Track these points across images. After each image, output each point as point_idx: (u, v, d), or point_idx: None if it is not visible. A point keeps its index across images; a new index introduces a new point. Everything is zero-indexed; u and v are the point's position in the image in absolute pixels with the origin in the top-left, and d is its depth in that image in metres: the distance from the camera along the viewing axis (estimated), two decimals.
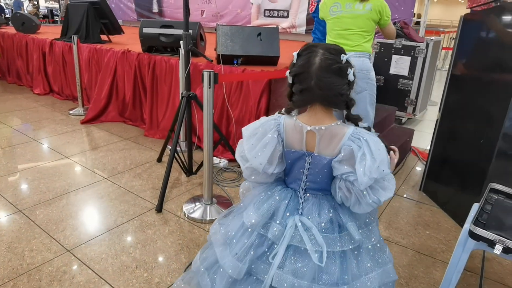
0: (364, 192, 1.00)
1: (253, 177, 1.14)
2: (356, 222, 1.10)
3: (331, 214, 1.10)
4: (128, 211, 2.25)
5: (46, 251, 1.86)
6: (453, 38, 10.44)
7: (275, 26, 3.43)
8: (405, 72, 4.21)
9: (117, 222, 2.13)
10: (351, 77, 1.02)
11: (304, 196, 1.14)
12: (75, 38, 3.91)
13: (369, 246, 1.12)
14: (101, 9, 4.53)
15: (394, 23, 4.94)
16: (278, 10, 6.20)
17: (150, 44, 3.60)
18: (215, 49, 3.30)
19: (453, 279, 1.52)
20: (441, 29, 9.02)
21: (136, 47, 3.84)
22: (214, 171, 2.79)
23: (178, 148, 2.46)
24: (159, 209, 2.26)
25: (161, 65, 3.47)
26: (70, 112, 4.17)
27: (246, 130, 1.13)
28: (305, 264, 1.04)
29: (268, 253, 1.10)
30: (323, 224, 1.07)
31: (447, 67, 2.22)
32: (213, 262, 1.20)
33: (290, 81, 1.07)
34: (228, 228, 1.18)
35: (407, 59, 4.14)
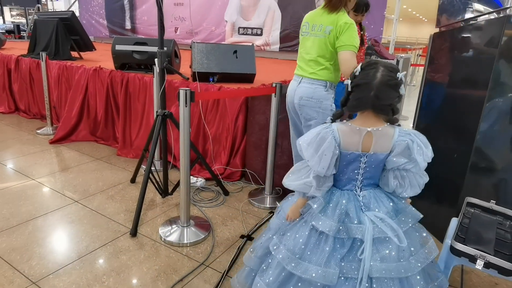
0: (421, 176, 1.29)
1: (321, 189, 1.29)
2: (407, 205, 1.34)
3: (391, 203, 1.31)
4: (101, 236, 2.13)
5: (8, 284, 1.72)
6: (420, 55, 10.92)
7: (250, 44, 3.44)
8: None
9: (89, 248, 2.01)
10: (402, 92, 1.23)
11: (362, 194, 1.32)
12: (43, 54, 3.77)
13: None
14: (71, 25, 4.41)
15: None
16: (252, 28, 6.28)
17: (123, 61, 3.52)
18: (190, 66, 3.28)
19: None
20: (408, 46, 9.41)
21: (109, 64, 3.75)
22: (191, 191, 2.71)
23: (152, 168, 2.38)
24: (134, 233, 2.15)
25: (135, 82, 3.39)
26: (38, 131, 3.98)
27: (303, 141, 1.29)
28: (389, 249, 1.23)
29: (354, 252, 1.24)
30: (389, 213, 1.28)
31: (414, 82, 2.29)
32: (285, 280, 1.29)
33: (349, 89, 1.26)
34: (292, 241, 1.30)
35: None
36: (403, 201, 1.34)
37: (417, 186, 1.29)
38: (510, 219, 1.67)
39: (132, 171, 2.96)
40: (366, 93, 1.21)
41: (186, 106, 1.98)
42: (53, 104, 4.11)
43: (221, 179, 2.86)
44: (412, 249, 1.25)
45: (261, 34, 6.19)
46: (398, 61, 4.10)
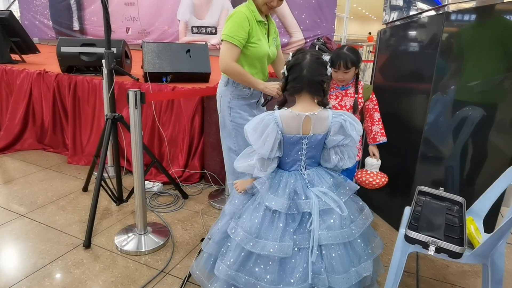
0: (357, 148, 1.57)
1: (261, 169, 1.43)
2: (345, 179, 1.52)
3: (331, 179, 1.49)
4: (51, 251, 1.99)
5: None
6: (370, 51, 11.35)
7: (204, 43, 3.39)
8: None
9: (37, 265, 1.87)
10: (329, 71, 1.41)
11: (307, 172, 1.47)
12: None
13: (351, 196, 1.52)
14: (10, 26, 4.10)
15: (318, 39, 5.22)
16: (206, 27, 6.20)
17: (70, 64, 3.33)
18: (142, 67, 3.16)
19: (394, 282, 1.56)
20: (359, 43, 9.74)
21: (54, 67, 3.53)
22: (147, 197, 2.62)
23: (105, 175, 2.27)
24: (87, 244, 2.03)
25: (83, 85, 3.21)
26: None
27: (248, 126, 1.42)
28: (333, 219, 1.39)
29: (303, 224, 1.39)
30: (331, 187, 1.45)
31: (367, 78, 2.38)
32: (245, 259, 1.39)
33: (286, 72, 1.44)
34: (248, 223, 1.40)
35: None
36: (341, 176, 1.53)
37: (353, 157, 1.51)
38: (457, 204, 1.76)
39: (83, 179, 2.80)
40: (299, 72, 1.39)
41: (136, 108, 1.90)
42: None
43: (179, 182, 2.79)
44: (351, 217, 1.45)
45: (215, 33, 6.13)
46: None
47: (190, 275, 1.83)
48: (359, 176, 2.08)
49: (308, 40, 5.44)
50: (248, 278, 1.37)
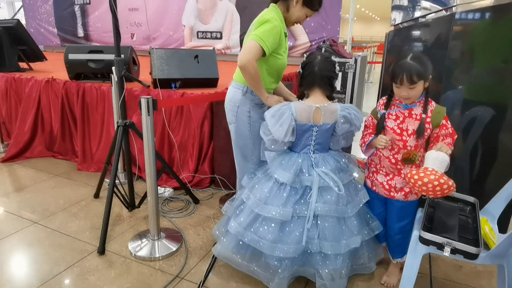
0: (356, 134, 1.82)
1: (273, 146, 1.73)
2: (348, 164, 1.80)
3: (336, 163, 1.73)
4: (66, 258, 2.01)
5: None
6: (375, 52, 11.34)
7: (211, 48, 3.41)
8: (337, 87, 4.43)
9: (53, 272, 1.89)
10: (337, 70, 1.70)
11: (314, 156, 1.73)
12: None
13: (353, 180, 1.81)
14: (17, 34, 4.14)
15: (324, 41, 5.23)
16: (211, 32, 6.23)
17: (78, 71, 3.36)
18: (150, 73, 3.18)
19: (409, 284, 1.56)
20: (364, 44, 9.74)
21: (62, 74, 3.56)
22: (159, 202, 2.63)
23: (116, 181, 2.28)
24: (102, 250, 2.05)
25: (92, 92, 3.24)
26: None
27: (268, 113, 1.69)
28: (331, 195, 1.66)
29: (304, 197, 1.66)
30: (333, 170, 1.69)
31: (372, 79, 2.39)
32: (252, 220, 1.69)
33: (300, 70, 1.72)
34: (259, 192, 1.71)
35: (339, 74, 4.37)
36: (346, 162, 1.79)
37: (352, 139, 1.84)
38: (470, 204, 1.76)
39: (94, 186, 2.82)
40: (311, 69, 1.65)
41: (148, 115, 1.92)
42: (2, 119, 3.85)
43: (190, 188, 2.80)
44: (349, 198, 1.71)
45: (221, 38, 6.15)
46: (356, 60, 4.23)
47: (205, 280, 1.84)
48: (411, 176, 1.49)
49: (313, 43, 5.45)
50: (253, 235, 1.66)
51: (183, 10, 6.31)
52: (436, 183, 1.41)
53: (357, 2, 5.38)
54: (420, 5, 2.37)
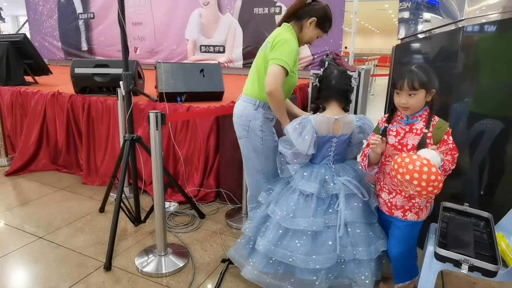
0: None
1: (295, 160, 1.77)
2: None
3: (354, 172, 1.79)
4: (71, 274, 1.97)
5: None
6: (376, 65, 11.43)
7: (215, 62, 3.43)
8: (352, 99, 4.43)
9: None
10: (353, 83, 1.93)
11: (334, 166, 1.79)
12: None
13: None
14: (23, 48, 4.17)
15: (327, 55, 5.26)
16: (214, 46, 6.27)
17: (84, 85, 3.37)
18: (156, 87, 3.19)
19: None
20: (365, 57, 9.81)
21: (67, 88, 3.58)
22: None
23: (122, 195, 2.26)
24: (108, 266, 2.02)
25: (97, 106, 3.25)
26: None
27: (289, 127, 1.74)
28: (357, 202, 1.72)
29: (332, 206, 1.70)
30: (354, 178, 1.75)
31: (373, 92, 2.40)
32: (282, 236, 1.68)
33: (317, 84, 1.79)
34: (285, 205, 1.71)
35: None
36: (362, 170, 1.77)
37: (362, 147, 1.84)
38: (483, 219, 1.74)
39: (99, 200, 2.80)
40: (328, 82, 1.73)
41: (157, 130, 1.91)
42: (7, 133, 3.84)
43: (195, 202, 2.78)
44: (370, 204, 1.75)
45: (223, 52, 6.20)
46: (359, 73, 4.23)
47: None
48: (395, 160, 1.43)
49: (315, 56, 5.48)
50: (284, 251, 1.65)
51: (186, 24, 6.38)
52: (425, 161, 1.32)
53: (357, 16, 5.42)
54: (422, 18, 2.39)
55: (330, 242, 1.64)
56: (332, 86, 1.72)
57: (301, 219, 1.65)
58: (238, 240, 1.93)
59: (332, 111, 1.74)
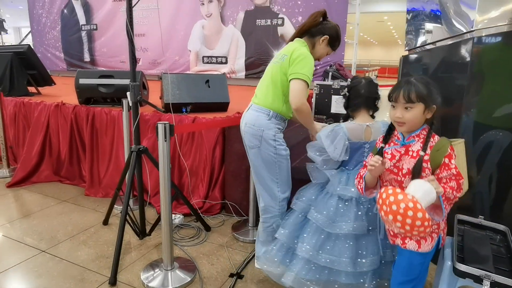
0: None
1: (325, 166, 1.78)
2: None
3: None
4: None
5: None
6: (376, 76, 11.49)
7: (218, 72, 3.42)
8: (344, 110, 4.40)
9: None
10: (379, 93, 1.80)
11: None
12: None
13: None
14: (27, 59, 4.18)
15: (330, 66, 5.27)
16: (216, 57, 6.30)
17: (88, 96, 3.36)
18: (160, 98, 3.18)
19: None
20: (365, 68, 9.86)
21: (70, 98, 3.56)
22: None
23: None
24: (113, 281, 1.96)
25: (101, 117, 3.22)
26: None
27: (322, 134, 1.78)
28: None
29: (371, 209, 1.68)
30: None
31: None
32: (325, 241, 1.69)
33: (347, 93, 1.82)
34: (324, 211, 1.71)
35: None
36: None
37: None
38: (499, 233, 1.70)
39: (103, 212, 2.76)
40: (358, 92, 1.77)
41: (165, 141, 1.88)
42: (9, 144, 3.81)
43: (200, 214, 2.73)
44: None
45: (226, 63, 6.21)
46: None
47: None
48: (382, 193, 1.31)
49: (318, 67, 5.49)
50: (329, 256, 1.65)
51: (189, 35, 6.41)
52: (411, 204, 1.17)
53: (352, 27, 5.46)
54: (430, 29, 2.38)
55: (373, 245, 1.66)
56: (362, 95, 1.77)
57: (344, 223, 1.66)
58: (265, 249, 1.90)
59: (363, 118, 1.79)
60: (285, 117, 1.96)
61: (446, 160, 1.31)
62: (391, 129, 1.48)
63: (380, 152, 1.46)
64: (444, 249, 1.63)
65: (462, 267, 1.38)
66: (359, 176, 1.57)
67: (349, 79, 1.87)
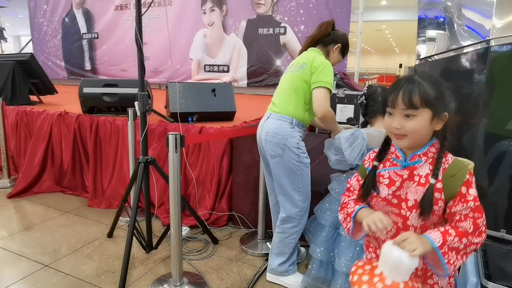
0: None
1: (339, 166, 1.82)
2: None
3: None
4: None
5: None
6: (376, 84, 11.50)
7: (220, 81, 3.38)
8: (345, 119, 4.37)
9: None
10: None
11: None
12: None
13: None
14: (30, 68, 4.13)
15: (335, 74, 5.25)
16: (218, 65, 6.27)
17: (92, 105, 3.30)
18: (166, 107, 3.13)
19: None
20: (365, 76, 9.88)
21: (72, 107, 3.51)
22: None
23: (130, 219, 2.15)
24: None
25: (105, 126, 3.17)
26: None
27: (342, 136, 1.77)
28: None
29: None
30: None
31: None
32: (361, 252, 1.64)
33: (364, 101, 1.82)
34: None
35: (351, 107, 4.33)
36: None
37: None
38: None
39: (107, 223, 2.69)
40: (375, 99, 1.78)
41: (176, 152, 1.83)
42: (10, 153, 3.74)
43: (207, 226, 2.66)
44: None
45: (228, 71, 6.19)
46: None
47: None
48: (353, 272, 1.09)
49: None
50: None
51: (190, 44, 6.40)
52: None
53: (353, 36, 5.45)
54: (436, 38, 2.36)
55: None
56: (379, 102, 1.77)
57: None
58: (309, 267, 1.95)
59: (380, 125, 1.79)
60: (306, 125, 2.00)
61: (463, 190, 1.00)
62: (387, 142, 1.14)
63: (372, 174, 1.12)
64: (467, 264, 1.58)
65: (490, 285, 1.32)
66: (345, 213, 1.20)
67: (365, 88, 1.88)
